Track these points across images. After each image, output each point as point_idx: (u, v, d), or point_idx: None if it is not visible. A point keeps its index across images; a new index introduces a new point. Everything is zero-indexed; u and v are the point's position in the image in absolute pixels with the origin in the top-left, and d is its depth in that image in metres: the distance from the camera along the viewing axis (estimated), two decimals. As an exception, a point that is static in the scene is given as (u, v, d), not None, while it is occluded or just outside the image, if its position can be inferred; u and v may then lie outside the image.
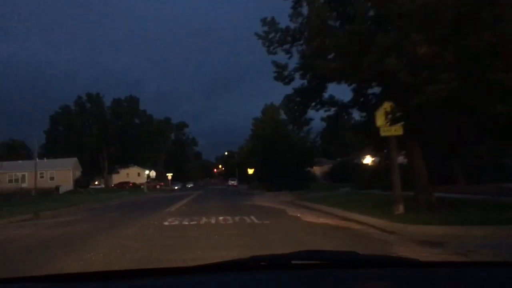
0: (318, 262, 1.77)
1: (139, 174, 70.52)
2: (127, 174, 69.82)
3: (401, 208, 10.74)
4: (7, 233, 10.98)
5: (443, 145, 12.91)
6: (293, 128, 20.37)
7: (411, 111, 9.91)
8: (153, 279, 1.63)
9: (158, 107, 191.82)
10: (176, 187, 64.13)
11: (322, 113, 14.24)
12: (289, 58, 13.05)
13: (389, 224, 9.47)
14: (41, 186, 44.12)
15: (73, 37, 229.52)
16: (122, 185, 58.60)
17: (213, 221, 12.02)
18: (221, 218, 12.69)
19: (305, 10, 12.12)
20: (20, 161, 56.66)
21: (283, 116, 44.43)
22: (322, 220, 11.69)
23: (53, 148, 61.71)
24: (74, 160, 58.78)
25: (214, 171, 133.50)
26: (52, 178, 55.12)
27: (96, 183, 63.71)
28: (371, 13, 10.27)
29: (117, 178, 66.99)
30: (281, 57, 13.22)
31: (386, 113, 10.68)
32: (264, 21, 12.77)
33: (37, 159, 43.04)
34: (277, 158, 38.73)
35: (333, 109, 13.81)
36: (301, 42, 12.71)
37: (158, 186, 61.96)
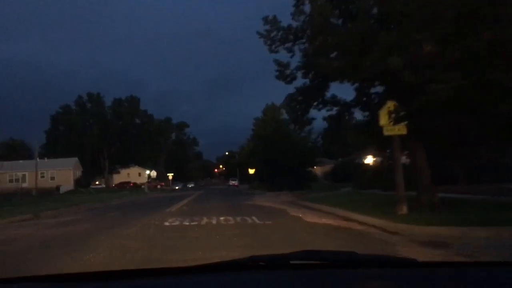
0: (317, 262, 1.77)
1: (140, 174, 70.46)
2: (128, 174, 69.75)
3: (404, 209, 10.63)
4: (8, 233, 10.91)
5: (444, 145, 12.79)
6: (295, 127, 20.25)
7: (414, 111, 9.80)
8: (152, 279, 1.64)
9: (159, 107, 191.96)
10: (176, 187, 64.06)
11: (324, 112, 14.16)
12: (291, 57, 12.96)
13: (392, 224, 9.37)
14: (42, 186, 44.09)
15: (74, 37, 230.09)
16: (123, 185, 58.56)
17: (214, 221, 11.92)
18: (222, 218, 12.59)
19: (307, 8, 12.04)
20: (20, 161, 56.64)
21: (284, 116, 44.36)
22: (324, 220, 11.58)
23: (54, 148, 61.66)
24: (74, 160, 58.75)
25: (214, 171, 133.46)
26: (52, 178, 55.08)
27: (97, 183, 63.67)
28: (374, 11, 10.17)
29: (117, 178, 66.93)
30: (283, 55, 13.14)
31: (390, 113, 10.57)
32: (266, 20, 12.67)
33: (37, 159, 43.03)
34: (278, 158, 38.60)
35: (335, 108, 13.70)
36: (303, 40, 12.62)
37: (159, 186, 61.92)
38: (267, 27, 12.78)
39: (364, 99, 13.21)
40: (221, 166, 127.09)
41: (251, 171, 54.83)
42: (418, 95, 8.76)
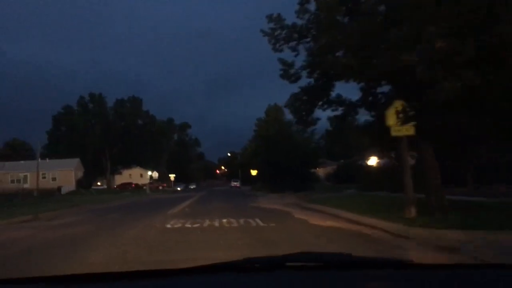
0: (314, 264, 1.78)
1: (141, 175, 70.27)
2: (130, 175, 69.57)
3: (413, 211, 10.31)
4: (6, 235, 10.70)
5: (454, 145, 12.47)
6: (299, 127, 19.96)
7: (425, 109, 9.49)
8: (148, 280, 1.65)
9: (161, 107, 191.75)
10: (178, 188, 63.91)
11: (329, 112, 13.87)
12: (295, 56, 12.68)
13: (401, 228, 9.07)
14: (43, 186, 43.88)
15: (74, 37, 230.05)
16: (125, 186, 58.37)
17: (216, 223, 11.65)
18: (224, 220, 12.31)
19: (312, 6, 11.78)
20: (22, 162, 56.46)
21: (286, 116, 44.17)
22: (330, 223, 11.28)
23: (56, 149, 61.47)
24: (76, 161, 58.61)
25: (216, 172, 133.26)
26: (54, 179, 54.92)
27: (99, 183, 63.52)
28: (382, 7, 9.88)
29: (119, 179, 66.75)
30: (287, 54, 12.87)
31: (397, 112, 10.27)
32: (270, 18, 12.42)
33: (39, 159, 42.88)
34: (281, 159, 38.29)
35: (340, 108, 13.40)
36: (308, 39, 12.35)
37: (160, 187, 61.78)
38: (271, 25, 12.52)
39: (370, 98, 12.90)
40: (223, 167, 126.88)
41: (254, 172, 54.53)
42: (429, 93, 8.45)
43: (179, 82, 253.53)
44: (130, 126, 64.72)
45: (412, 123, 10.23)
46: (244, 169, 68.03)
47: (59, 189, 48.28)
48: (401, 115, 10.24)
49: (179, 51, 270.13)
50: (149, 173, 60.77)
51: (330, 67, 11.15)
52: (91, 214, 17.85)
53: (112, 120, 64.76)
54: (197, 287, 1.61)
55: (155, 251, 7.52)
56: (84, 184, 54.74)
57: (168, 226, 11.43)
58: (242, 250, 7.43)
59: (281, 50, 12.72)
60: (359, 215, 12.10)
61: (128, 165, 67.42)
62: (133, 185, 60.18)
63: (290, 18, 12.50)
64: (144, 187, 54.36)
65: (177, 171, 70.95)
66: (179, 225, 11.60)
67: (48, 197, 35.60)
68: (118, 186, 61.04)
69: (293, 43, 12.56)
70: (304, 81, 13.17)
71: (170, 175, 65.37)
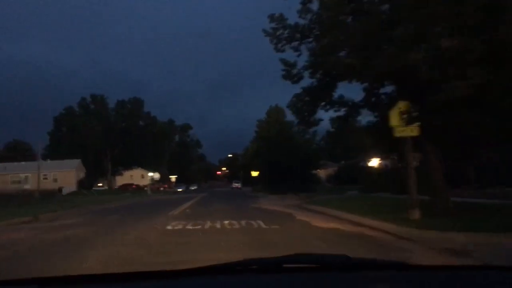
0: (310, 266, 1.78)
1: (142, 176, 70.16)
2: (131, 176, 69.50)
3: (417, 213, 10.16)
4: (6, 236, 10.59)
5: (460, 146, 12.32)
6: (301, 128, 19.82)
7: (430, 110, 9.34)
8: (142, 282, 1.64)
9: (162, 109, 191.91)
10: (179, 189, 63.77)
11: (331, 113, 13.76)
12: (298, 56, 12.56)
13: (406, 230, 8.91)
14: (45, 187, 43.85)
15: (74, 37, 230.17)
16: (126, 187, 58.31)
17: (218, 225, 11.51)
18: (226, 222, 12.17)
19: (314, 6, 11.66)
20: (23, 163, 56.45)
21: (288, 118, 44.05)
22: (333, 225, 11.13)
23: (57, 149, 61.49)
24: (77, 162, 58.56)
25: (217, 173, 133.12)
26: (55, 180, 54.83)
27: (100, 184, 63.44)
28: (386, 6, 9.76)
29: (120, 180, 66.68)
30: (289, 54, 12.76)
31: (401, 113, 10.13)
32: (272, 17, 12.31)
33: (41, 160, 42.83)
34: (282, 160, 38.16)
35: (343, 109, 13.28)
36: (311, 39, 12.23)
37: (161, 188, 61.71)
38: (273, 25, 12.41)
39: (373, 99, 12.79)
40: (224, 168, 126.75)
41: (255, 173, 54.39)
42: (436, 93, 8.31)
43: (180, 83, 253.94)
44: (131, 127, 64.65)
45: (416, 123, 10.09)
46: (245, 170, 67.91)
47: (60, 190, 48.18)
48: (404, 116, 10.11)
49: (180, 51, 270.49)
50: (150, 174, 60.67)
51: (332, 67, 11.03)
52: (92, 215, 17.73)
53: (113, 121, 64.75)
54: None
55: (155, 253, 7.40)
56: (85, 185, 54.65)
57: (169, 228, 11.29)
58: (244, 252, 7.29)
59: (283, 50, 12.62)
60: (362, 217, 11.94)
61: (129, 166, 67.29)
62: (134, 186, 60.12)
63: (291, 19, 12.42)
64: (145, 188, 54.27)
65: (178, 172, 70.91)
66: (180, 226, 11.47)
67: (49, 198, 35.52)
68: (119, 187, 61.01)
69: (295, 43, 12.46)
70: (306, 81, 13.08)
71: (171, 176, 65.29)
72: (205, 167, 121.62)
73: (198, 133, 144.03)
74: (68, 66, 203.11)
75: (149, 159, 66.57)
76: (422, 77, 8.35)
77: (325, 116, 14.58)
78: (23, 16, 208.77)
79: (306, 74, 12.71)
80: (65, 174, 56.06)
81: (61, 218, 16.09)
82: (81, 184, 55.21)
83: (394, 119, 10.41)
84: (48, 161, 55.47)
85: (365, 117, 13.81)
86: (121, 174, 68.10)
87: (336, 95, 13.14)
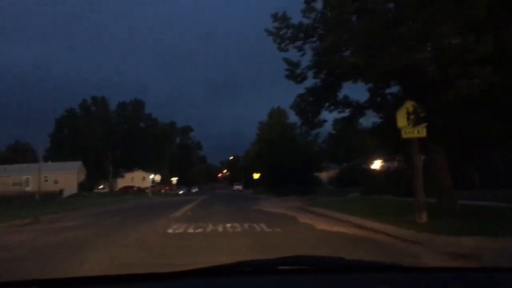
0: (305, 268, 1.77)
1: (144, 178, 70.03)
2: (132, 178, 69.37)
3: (424, 216, 9.92)
4: (7, 238, 10.44)
5: (467, 147, 12.07)
6: (303, 130, 19.60)
7: (437, 110, 9.11)
8: (138, 284, 1.64)
9: (163, 110, 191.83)
10: (180, 192, 63.60)
11: (335, 114, 13.53)
12: (301, 56, 12.36)
13: (412, 233, 8.67)
14: (45, 189, 43.71)
15: (76, 38, 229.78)
16: (127, 189, 58.11)
17: (220, 228, 11.28)
18: (228, 225, 11.94)
19: (318, 5, 11.47)
20: (24, 164, 56.37)
21: (290, 119, 43.86)
22: (337, 228, 10.90)
23: (58, 151, 61.39)
24: (78, 164, 58.43)
25: (219, 176, 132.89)
26: (56, 182, 54.70)
27: (101, 187, 63.28)
28: (391, 4, 9.56)
29: (122, 182, 66.50)
30: (292, 54, 12.56)
31: (408, 114, 9.90)
32: (275, 17, 12.12)
33: (42, 162, 42.73)
34: (284, 162, 37.92)
35: (347, 110, 13.05)
36: (314, 38, 12.03)
37: (162, 191, 61.51)
38: (276, 24, 12.22)
39: (378, 99, 12.56)
40: (225, 171, 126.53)
41: (256, 175, 54.15)
42: (443, 92, 8.08)
43: (181, 84, 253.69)
44: (133, 129, 64.55)
45: (424, 124, 9.86)
46: (246, 172, 67.67)
47: (61, 192, 48.05)
48: (412, 117, 9.87)
49: (181, 52, 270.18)
50: (151, 176, 60.50)
51: (336, 66, 10.82)
52: (93, 217, 17.53)
53: (114, 123, 64.64)
54: None
55: (156, 255, 7.25)
56: (86, 187, 54.50)
57: (170, 231, 11.07)
58: (247, 255, 7.06)
59: (286, 50, 12.42)
60: (366, 219, 11.69)
61: (130, 168, 67.17)
62: (135, 188, 59.93)
63: (294, 18, 12.22)
64: (146, 190, 54.07)
65: (179, 174, 70.78)
66: (181, 229, 11.25)
67: (50, 200, 35.38)
68: (121, 189, 60.79)
69: (299, 43, 12.25)
70: (310, 81, 12.87)
71: (172, 179, 65.12)
72: (206, 169, 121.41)
73: (199, 135, 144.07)
74: (69, 67, 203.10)
75: (150, 161, 66.45)
76: (428, 77, 8.13)
77: (329, 118, 14.38)
78: (24, 17, 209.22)
79: (310, 74, 12.50)
80: (66, 176, 55.92)
81: (62, 220, 15.93)
82: (82, 186, 55.05)
83: (401, 120, 10.16)
84: (49, 163, 55.39)
85: (370, 118, 13.60)
86: (122, 176, 67.92)
87: (340, 95, 12.93)
